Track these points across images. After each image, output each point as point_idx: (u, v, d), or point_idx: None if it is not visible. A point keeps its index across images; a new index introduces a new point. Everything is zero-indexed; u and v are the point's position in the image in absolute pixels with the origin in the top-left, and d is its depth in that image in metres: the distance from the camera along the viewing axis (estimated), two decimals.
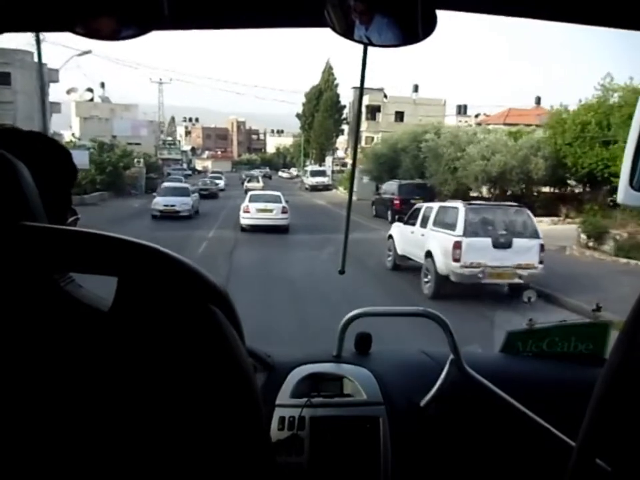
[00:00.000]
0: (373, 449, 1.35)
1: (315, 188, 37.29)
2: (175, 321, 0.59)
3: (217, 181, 34.79)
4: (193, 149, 69.83)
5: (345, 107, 50.12)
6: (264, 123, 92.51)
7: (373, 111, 44.72)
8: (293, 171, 71.77)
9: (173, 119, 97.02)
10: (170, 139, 53.55)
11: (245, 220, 16.01)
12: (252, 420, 0.63)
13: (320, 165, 46.48)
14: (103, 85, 46.50)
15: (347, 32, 0.79)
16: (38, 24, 1.04)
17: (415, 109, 42.38)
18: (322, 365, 1.51)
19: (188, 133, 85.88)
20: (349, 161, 43.54)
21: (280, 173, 69.74)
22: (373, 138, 44.83)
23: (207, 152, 77.76)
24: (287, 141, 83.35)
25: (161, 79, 49.00)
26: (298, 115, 54.74)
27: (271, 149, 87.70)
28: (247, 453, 0.61)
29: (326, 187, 37.60)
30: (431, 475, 1.37)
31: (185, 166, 53.89)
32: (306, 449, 1.34)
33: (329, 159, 46.03)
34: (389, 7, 0.79)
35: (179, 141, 53.36)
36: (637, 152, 1.25)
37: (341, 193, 34.41)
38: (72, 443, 0.56)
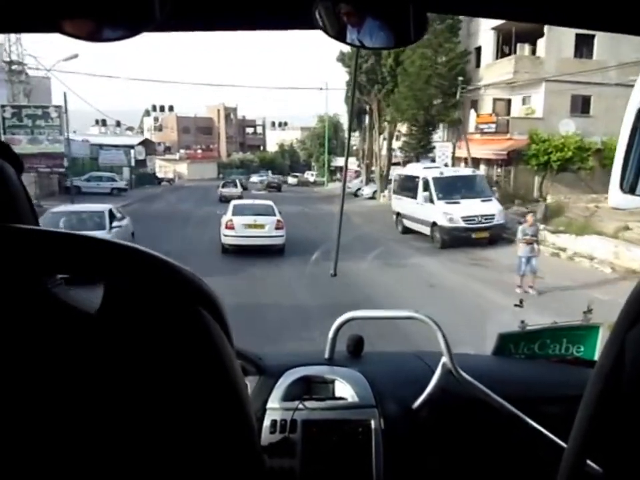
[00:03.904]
0: (365, 452, 1.37)
1: (457, 239, 13.37)
2: (163, 324, 0.59)
3: None
4: (146, 142, 44.04)
5: (459, 42, 23.20)
6: (262, 113, 68.85)
7: (518, 37, 21.10)
8: (309, 175, 48.96)
9: (147, 112, 73.70)
10: (38, 105, 22.79)
11: (227, 239, 12.97)
12: (240, 424, 0.63)
13: (420, 160, 20.05)
14: None
15: (338, 34, 0.81)
16: (24, 24, 0.98)
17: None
18: (314, 368, 1.52)
19: (158, 126, 61.96)
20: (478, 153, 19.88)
21: (290, 179, 47.53)
22: (509, 102, 21.29)
23: (182, 151, 54.28)
24: (293, 135, 60.16)
25: None
26: (342, 57, 27.85)
27: (272, 146, 64.24)
28: (235, 457, 0.62)
29: (491, 237, 13.61)
30: (424, 478, 1.39)
31: (124, 174, 30.24)
32: (298, 453, 1.36)
33: (443, 147, 21.30)
34: (380, 9, 0.81)
35: (58, 108, 22.87)
36: (627, 156, 1.31)
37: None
38: (58, 447, 0.57)
